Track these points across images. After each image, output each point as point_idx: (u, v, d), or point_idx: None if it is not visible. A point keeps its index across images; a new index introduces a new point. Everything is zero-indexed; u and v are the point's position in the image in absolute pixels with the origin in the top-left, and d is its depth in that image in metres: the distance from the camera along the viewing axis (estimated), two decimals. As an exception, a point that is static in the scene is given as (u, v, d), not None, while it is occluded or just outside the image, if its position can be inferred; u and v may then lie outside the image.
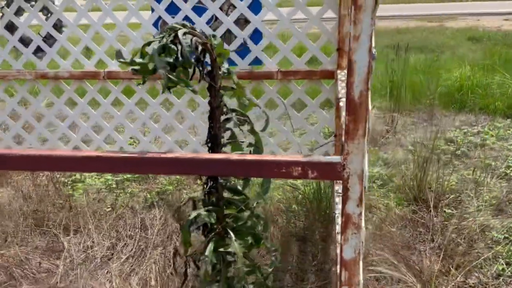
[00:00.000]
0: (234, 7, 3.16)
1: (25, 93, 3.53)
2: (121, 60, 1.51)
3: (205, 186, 1.69)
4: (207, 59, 1.58)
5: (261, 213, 1.79)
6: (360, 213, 1.46)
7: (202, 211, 1.66)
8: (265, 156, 1.50)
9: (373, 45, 1.38)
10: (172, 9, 3.21)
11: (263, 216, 1.82)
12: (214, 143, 1.68)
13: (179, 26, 1.52)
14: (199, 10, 3.20)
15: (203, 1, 3.13)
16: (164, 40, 1.50)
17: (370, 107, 1.38)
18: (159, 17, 3.26)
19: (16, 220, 3.34)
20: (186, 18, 3.21)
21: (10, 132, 3.63)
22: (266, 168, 1.49)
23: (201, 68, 1.58)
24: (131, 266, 2.85)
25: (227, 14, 3.18)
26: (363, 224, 1.49)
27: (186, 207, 1.78)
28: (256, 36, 3.10)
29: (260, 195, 1.82)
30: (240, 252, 1.68)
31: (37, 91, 3.96)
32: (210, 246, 1.69)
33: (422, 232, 3.41)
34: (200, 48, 1.58)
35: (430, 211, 3.62)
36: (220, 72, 1.63)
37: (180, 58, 1.51)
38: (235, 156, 1.50)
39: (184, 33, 1.52)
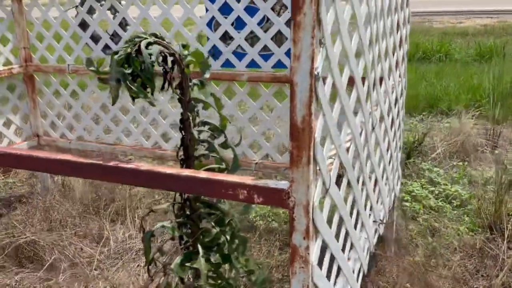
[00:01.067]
0: (286, 7, 3.10)
1: (94, 87, 3.82)
2: (91, 68, 1.56)
3: (175, 198, 1.69)
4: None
5: (239, 230, 1.75)
6: (308, 247, 1.36)
7: (166, 223, 1.67)
8: (216, 175, 1.47)
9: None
10: (225, 9, 3.24)
11: (241, 234, 1.77)
12: (185, 155, 1.67)
13: (145, 36, 1.53)
14: (251, 10, 3.18)
15: (255, 1, 3.11)
16: (129, 50, 1.51)
17: (316, 133, 1.27)
18: (213, 17, 3.31)
19: (78, 208, 3.65)
20: (238, 18, 3.22)
21: (82, 123, 3.96)
22: (215, 188, 1.45)
23: (169, 79, 1.57)
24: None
25: (279, 15, 3.13)
26: (312, 259, 1.38)
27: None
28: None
29: (242, 211, 1.77)
30: (205, 269, 1.66)
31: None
32: (178, 259, 1.69)
33: (488, 266, 3.08)
34: (170, 59, 1.58)
35: (504, 242, 3.25)
36: (190, 84, 1.61)
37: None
38: (186, 172, 1.48)
39: (150, 44, 1.53)
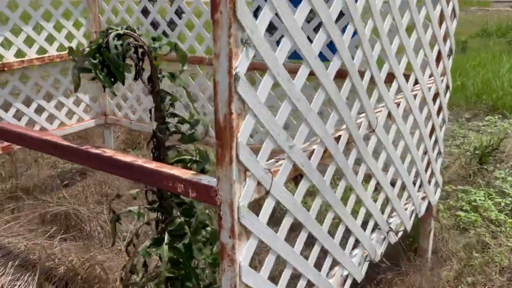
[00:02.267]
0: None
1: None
2: (71, 57, 1.70)
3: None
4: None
5: (205, 223, 1.81)
6: (234, 246, 1.39)
7: (133, 208, 1.77)
8: (162, 167, 1.54)
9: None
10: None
11: (213, 227, 1.83)
12: (156, 145, 1.76)
13: (116, 28, 1.64)
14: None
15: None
16: (100, 41, 1.63)
17: (239, 132, 1.29)
18: (259, 6, 3.35)
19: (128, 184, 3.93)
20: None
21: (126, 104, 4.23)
22: (159, 180, 1.52)
23: (138, 70, 1.66)
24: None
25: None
26: (239, 258, 1.40)
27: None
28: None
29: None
30: (166, 256, 1.75)
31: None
32: (146, 243, 1.80)
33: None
34: (140, 50, 1.67)
35: None
36: (160, 76, 1.69)
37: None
38: (139, 162, 1.57)
39: (119, 35, 1.63)
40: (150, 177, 1.54)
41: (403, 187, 2.41)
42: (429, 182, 2.76)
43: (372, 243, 2.20)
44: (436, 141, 2.71)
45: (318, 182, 1.69)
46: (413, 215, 2.61)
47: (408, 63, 2.15)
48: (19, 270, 2.10)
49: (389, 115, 2.10)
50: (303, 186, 1.63)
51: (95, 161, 1.68)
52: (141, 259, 1.91)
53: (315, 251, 1.79)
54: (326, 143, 1.67)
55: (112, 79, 1.66)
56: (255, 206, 1.46)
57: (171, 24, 3.93)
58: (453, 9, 2.55)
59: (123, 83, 1.68)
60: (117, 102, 4.40)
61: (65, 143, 1.77)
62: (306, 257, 1.74)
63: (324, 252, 1.85)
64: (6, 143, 3.62)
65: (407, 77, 2.20)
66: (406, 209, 2.49)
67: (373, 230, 2.24)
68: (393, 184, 2.26)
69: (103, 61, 1.64)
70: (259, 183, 1.43)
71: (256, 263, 2.35)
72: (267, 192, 1.47)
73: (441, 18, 2.43)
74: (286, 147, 1.50)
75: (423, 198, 2.73)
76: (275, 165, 1.52)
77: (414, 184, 2.52)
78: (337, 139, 1.77)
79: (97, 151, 1.68)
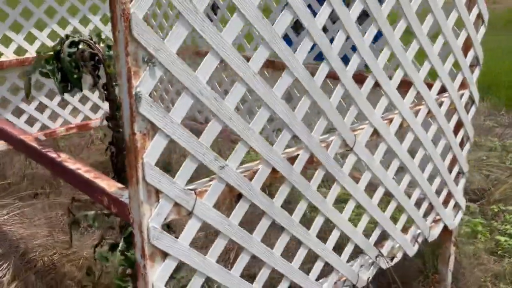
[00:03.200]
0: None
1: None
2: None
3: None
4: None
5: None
6: (145, 266, 1.38)
7: (89, 213, 1.82)
8: (98, 178, 1.56)
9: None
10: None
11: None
12: (114, 152, 1.80)
13: (71, 36, 1.68)
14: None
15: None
16: (58, 48, 1.69)
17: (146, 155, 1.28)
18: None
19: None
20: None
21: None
22: (90, 191, 1.55)
23: (95, 77, 1.70)
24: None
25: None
26: (152, 279, 1.40)
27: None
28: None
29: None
30: (118, 263, 1.79)
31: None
32: (104, 248, 1.85)
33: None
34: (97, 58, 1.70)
35: None
36: (115, 83, 1.71)
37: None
38: (80, 170, 1.61)
39: (74, 43, 1.67)
40: (87, 187, 1.58)
41: (400, 210, 2.25)
42: (446, 204, 2.56)
43: (353, 269, 2.09)
44: (455, 160, 2.49)
45: (263, 203, 1.62)
46: (419, 239, 2.43)
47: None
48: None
49: (376, 132, 1.96)
50: (240, 209, 1.57)
51: (51, 165, 1.75)
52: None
53: (263, 274, 1.73)
54: (272, 163, 1.60)
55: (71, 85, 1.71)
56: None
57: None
58: (480, 15, 2.30)
59: (81, 90, 1.72)
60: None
61: (33, 144, 1.86)
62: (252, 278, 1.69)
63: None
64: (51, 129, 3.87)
65: (404, 91, 2.04)
66: (406, 233, 2.33)
67: (358, 254, 2.13)
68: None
69: (61, 68, 1.69)
70: (177, 204, 1.40)
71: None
72: (190, 213, 1.44)
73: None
74: (216, 168, 1.46)
75: (436, 221, 2.53)
76: (204, 185, 1.48)
77: (419, 206, 2.34)
78: (294, 158, 1.69)
79: (54, 155, 1.74)
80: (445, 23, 2.09)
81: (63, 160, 1.69)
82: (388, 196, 2.17)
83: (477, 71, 2.42)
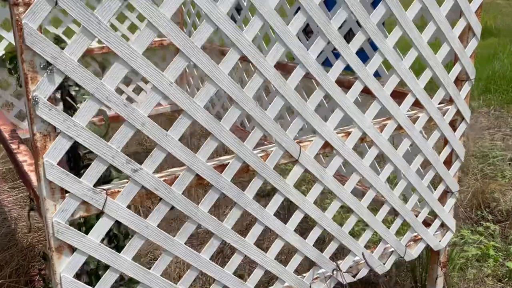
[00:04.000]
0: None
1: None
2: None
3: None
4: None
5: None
6: (52, 258, 1.51)
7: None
8: (34, 171, 1.70)
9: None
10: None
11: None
12: (72, 155, 1.93)
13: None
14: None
15: None
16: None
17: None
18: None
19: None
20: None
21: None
22: (26, 182, 1.69)
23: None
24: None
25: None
26: (59, 269, 1.52)
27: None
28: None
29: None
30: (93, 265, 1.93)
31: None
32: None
33: None
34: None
35: None
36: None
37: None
38: (26, 163, 1.76)
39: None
40: (24, 178, 1.72)
41: (365, 224, 2.21)
42: (430, 223, 2.47)
43: (304, 281, 2.09)
44: (440, 179, 2.40)
45: (185, 208, 1.69)
46: (391, 256, 2.37)
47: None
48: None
49: (329, 145, 1.95)
50: (158, 211, 1.65)
51: (10, 155, 1.92)
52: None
53: (189, 275, 1.79)
54: (195, 169, 1.65)
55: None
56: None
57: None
58: (470, 27, 2.19)
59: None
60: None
61: (4, 135, 2.04)
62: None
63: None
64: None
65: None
66: (371, 250, 2.29)
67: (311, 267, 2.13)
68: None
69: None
70: (85, 202, 1.50)
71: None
72: (101, 212, 1.54)
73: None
74: (128, 171, 1.54)
75: (415, 240, 2.45)
76: (118, 186, 1.57)
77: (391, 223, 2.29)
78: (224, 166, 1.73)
79: (14, 146, 1.91)
80: (417, 35, 2.02)
81: (17, 152, 1.85)
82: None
83: (467, 86, 2.30)
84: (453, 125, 2.37)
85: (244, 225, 3.17)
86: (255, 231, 1.91)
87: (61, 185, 1.45)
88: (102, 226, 1.57)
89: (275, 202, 1.92)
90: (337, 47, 1.84)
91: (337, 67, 1.88)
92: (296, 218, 2.00)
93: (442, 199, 2.52)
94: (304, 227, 3.04)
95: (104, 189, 1.54)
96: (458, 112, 2.32)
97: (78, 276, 1.62)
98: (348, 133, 2.01)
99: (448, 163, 2.44)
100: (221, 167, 1.74)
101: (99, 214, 1.55)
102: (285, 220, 1.99)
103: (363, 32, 1.88)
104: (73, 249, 1.54)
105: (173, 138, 1.59)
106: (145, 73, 1.48)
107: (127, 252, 1.64)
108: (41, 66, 1.33)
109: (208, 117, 1.63)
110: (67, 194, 1.47)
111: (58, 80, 1.36)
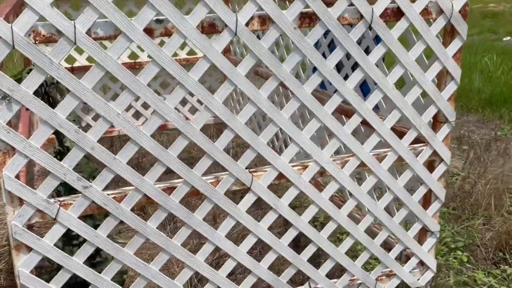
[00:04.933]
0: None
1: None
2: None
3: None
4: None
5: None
6: (11, 253, 1.82)
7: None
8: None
9: None
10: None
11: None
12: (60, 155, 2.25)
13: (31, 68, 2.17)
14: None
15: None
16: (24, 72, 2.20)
17: None
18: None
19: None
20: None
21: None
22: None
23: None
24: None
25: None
26: (18, 264, 1.83)
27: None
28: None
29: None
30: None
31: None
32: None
33: None
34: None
35: None
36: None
37: None
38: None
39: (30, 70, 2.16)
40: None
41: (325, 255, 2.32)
42: (405, 259, 2.52)
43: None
44: (412, 214, 2.44)
45: (134, 223, 1.92)
46: (359, 288, 2.45)
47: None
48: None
49: (283, 176, 2.10)
50: (107, 224, 1.90)
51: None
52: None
53: (138, 283, 2.03)
54: (143, 190, 1.89)
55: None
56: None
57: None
58: (447, 71, 2.22)
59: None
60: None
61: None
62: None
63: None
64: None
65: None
66: (337, 278, 2.38)
67: None
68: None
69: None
70: (40, 210, 1.79)
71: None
72: (54, 219, 1.82)
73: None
74: (79, 187, 1.81)
75: (388, 275, 2.51)
76: (72, 199, 1.84)
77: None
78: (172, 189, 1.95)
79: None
80: (381, 78, 2.10)
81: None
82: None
83: (445, 128, 2.32)
84: (432, 165, 2.41)
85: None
86: (207, 249, 2.11)
87: (18, 195, 1.75)
88: (56, 232, 1.85)
89: (227, 225, 2.10)
90: (291, 88, 1.98)
91: (291, 106, 2.02)
92: (249, 241, 2.17)
93: (422, 237, 2.55)
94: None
95: (59, 200, 1.83)
96: (435, 153, 2.35)
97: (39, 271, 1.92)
98: (305, 167, 2.14)
99: (427, 202, 2.47)
100: (170, 190, 1.95)
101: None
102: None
103: (318, 74, 2.01)
104: (30, 249, 1.83)
105: (121, 162, 1.83)
106: (94, 106, 1.74)
107: (78, 255, 1.91)
108: (0, 96, 1.63)
109: (154, 144, 1.85)
110: (24, 203, 1.77)
111: (16, 108, 1.66)
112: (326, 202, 2.21)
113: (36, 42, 1.63)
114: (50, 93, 2.17)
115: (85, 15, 1.64)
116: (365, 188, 2.27)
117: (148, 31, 1.73)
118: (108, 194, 1.87)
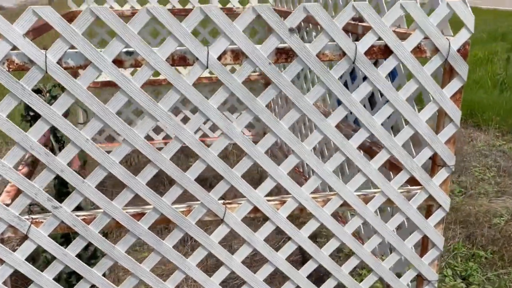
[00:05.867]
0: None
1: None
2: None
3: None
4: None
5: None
6: (-14, 264, 1.96)
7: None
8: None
9: None
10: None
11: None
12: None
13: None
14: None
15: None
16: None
17: None
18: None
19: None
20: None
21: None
22: None
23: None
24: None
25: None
26: (-10, 275, 1.96)
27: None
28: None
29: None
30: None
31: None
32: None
33: None
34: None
35: None
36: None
37: None
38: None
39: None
40: None
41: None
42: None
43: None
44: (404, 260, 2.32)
45: (102, 245, 2.00)
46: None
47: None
48: None
49: (258, 210, 2.09)
50: (75, 245, 1.99)
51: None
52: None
53: (106, 304, 2.10)
54: (111, 214, 1.96)
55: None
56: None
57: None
58: (445, 112, 2.11)
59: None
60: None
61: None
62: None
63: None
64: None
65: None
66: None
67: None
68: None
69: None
70: (12, 226, 1.91)
71: None
72: (26, 236, 1.94)
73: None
74: (49, 207, 1.91)
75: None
76: (43, 217, 1.95)
77: None
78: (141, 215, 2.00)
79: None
80: (368, 118, 2.04)
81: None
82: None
83: (444, 172, 2.20)
84: (430, 210, 2.29)
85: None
86: (176, 277, 2.14)
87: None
88: (27, 248, 1.96)
89: (198, 254, 2.12)
90: (269, 125, 1.98)
91: (268, 140, 2.01)
92: (222, 273, 2.17)
93: (419, 286, 2.42)
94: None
95: (31, 217, 1.94)
96: (431, 198, 2.23)
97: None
98: (283, 202, 2.11)
99: (424, 249, 2.35)
100: (140, 215, 2.01)
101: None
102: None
103: (296, 110, 1.98)
104: (2, 261, 1.96)
105: (90, 185, 1.91)
106: (64, 131, 1.83)
107: (48, 272, 2.01)
108: (-25, 119, 1.77)
109: (123, 171, 1.92)
110: (-13, 215, 1.90)
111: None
112: (306, 241, 2.17)
113: (10, 70, 1.75)
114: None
115: (56, 45, 1.74)
116: (349, 229, 2.20)
117: (119, 62, 1.81)
118: (77, 216, 1.96)
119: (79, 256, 2.06)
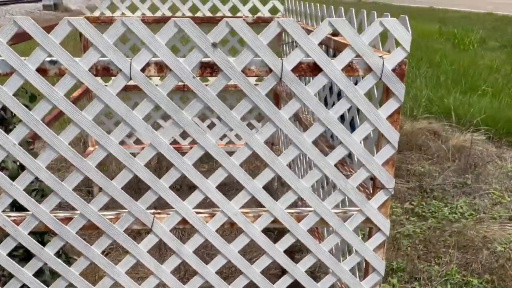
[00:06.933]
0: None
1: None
2: None
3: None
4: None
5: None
6: None
7: None
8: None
9: None
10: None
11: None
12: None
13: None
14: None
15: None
16: None
17: None
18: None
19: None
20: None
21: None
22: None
23: None
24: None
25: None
26: None
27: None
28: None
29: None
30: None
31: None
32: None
33: None
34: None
35: None
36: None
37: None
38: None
39: None
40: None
41: None
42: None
43: None
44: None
45: (31, 247, 2.09)
46: None
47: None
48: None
49: (187, 221, 2.12)
50: (5, 244, 2.09)
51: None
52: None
53: (36, 304, 2.18)
54: (39, 218, 2.05)
55: None
56: None
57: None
58: (381, 134, 2.07)
59: None
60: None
61: None
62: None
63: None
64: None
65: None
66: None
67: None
68: None
69: None
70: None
71: None
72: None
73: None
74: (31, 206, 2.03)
75: None
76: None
77: None
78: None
79: None
80: (297, 135, 2.04)
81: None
82: None
83: (382, 195, 2.15)
84: (370, 233, 2.25)
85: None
86: (105, 282, 2.20)
87: None
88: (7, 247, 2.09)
89: (126, 262, 2.18)
90: (195, 138, 2.01)
91: (195, 153, 2.05)
92: (152, 282, 2.21)
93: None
94: None
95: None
96: (368, 220, 2.19)
97: None
98: (212, 215, 2.13)
99: (365, 273, 2.31)
100: (68, 220, 2.09)
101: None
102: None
103: (224, 125, 2.01)
104: None
105: (17, 188, 2.01)
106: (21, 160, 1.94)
107: (27, 268, 2.13)
108: None
109: (49, 176, 2.00)
110: None
111: None
112: (236, 255, 2.18)
113: None
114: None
115: (-17, 53, 1.86)
116: (281, 247, 2.19)
117: (43, 70, 1.90)
118: (8, 216, 2.07)
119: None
